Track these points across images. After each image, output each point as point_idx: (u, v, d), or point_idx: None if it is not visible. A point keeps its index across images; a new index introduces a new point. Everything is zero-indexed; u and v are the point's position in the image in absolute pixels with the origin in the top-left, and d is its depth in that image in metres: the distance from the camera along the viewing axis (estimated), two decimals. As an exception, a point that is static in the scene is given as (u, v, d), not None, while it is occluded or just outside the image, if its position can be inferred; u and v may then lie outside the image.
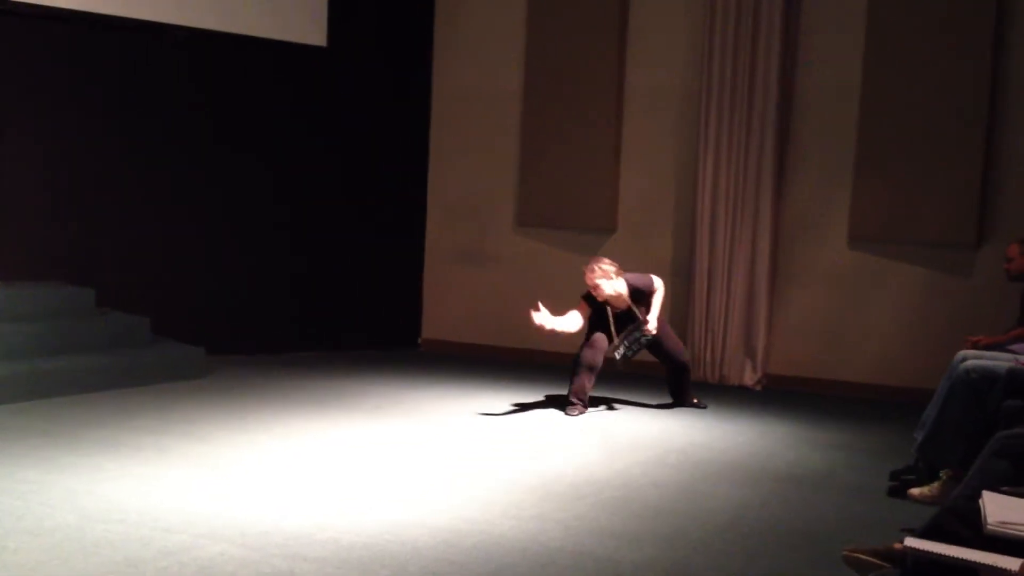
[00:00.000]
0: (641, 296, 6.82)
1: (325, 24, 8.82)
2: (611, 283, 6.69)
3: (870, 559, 3.22)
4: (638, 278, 6.84)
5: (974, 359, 4.99)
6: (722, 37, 8.21)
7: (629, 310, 6.81)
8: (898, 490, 5.13)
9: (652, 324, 6.74)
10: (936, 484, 4.91)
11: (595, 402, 7.09)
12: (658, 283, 6.87)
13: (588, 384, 6.85)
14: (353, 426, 6.23)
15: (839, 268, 8.12)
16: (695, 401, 7.23)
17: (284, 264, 8.91)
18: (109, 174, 8.11)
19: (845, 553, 3.34)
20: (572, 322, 6.79)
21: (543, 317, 6.58)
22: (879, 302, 8.02)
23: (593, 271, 6.68)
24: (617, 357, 6.82)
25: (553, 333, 6.80)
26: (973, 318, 7.37)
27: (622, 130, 8.79)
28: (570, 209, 8.96)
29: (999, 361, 4.89)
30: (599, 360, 6.86)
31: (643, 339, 6.80)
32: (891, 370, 7.92)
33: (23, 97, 7.71)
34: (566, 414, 6.75)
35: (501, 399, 7.24)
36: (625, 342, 6.79)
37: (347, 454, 5.56)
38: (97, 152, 8.05)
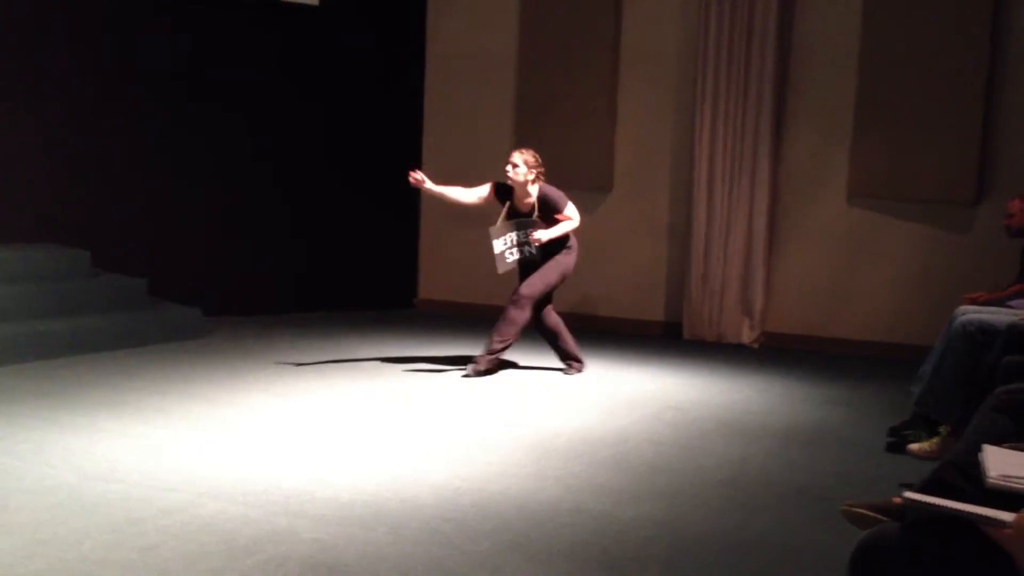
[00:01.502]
0: (547, 210, 6.51)
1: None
2: (526, 175, 6.45)
3: (869, 513, 3.22)
4: (554, 192, 6.55)
5: (973, 313, 4.98)
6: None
7: (528, 215, 6.53)
8: (897, 446, 5.15)
9: (543, 236, 6.39)
10: (935, 439, 4.93)
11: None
12: (573, 212, 6.55)
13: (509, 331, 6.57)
14: (351, 386, 6.23)
15: (838, 226, 8.11)
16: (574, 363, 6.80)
17: (281, 225, 8.87)
18: (104, 136, 8.04)
19: (844, 508, 3.34)
20: (462, 194, 6.65)
21: (423, 182, 6.48)
22: (878, 260, 8.01)
23: (521, 152, 6.52)
24: (495, 250, 6.44)
25: (433, 194, 6.67)
26: (972, 275, 7.37)
27: (618, 90, 8.73)
28: (565, 169, 8.86)
29: (997, 316, 4.88)
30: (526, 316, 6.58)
31: (527, 248, 6.44)
32: (889, 327, 7.93)
33: (15, 60, 7.62)
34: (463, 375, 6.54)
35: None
36: (510, 236, 6.45)
37: (345, 413, 5.57)
38: (91, 114, 7.98)
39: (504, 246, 6.48)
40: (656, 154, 8.68)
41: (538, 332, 6.84)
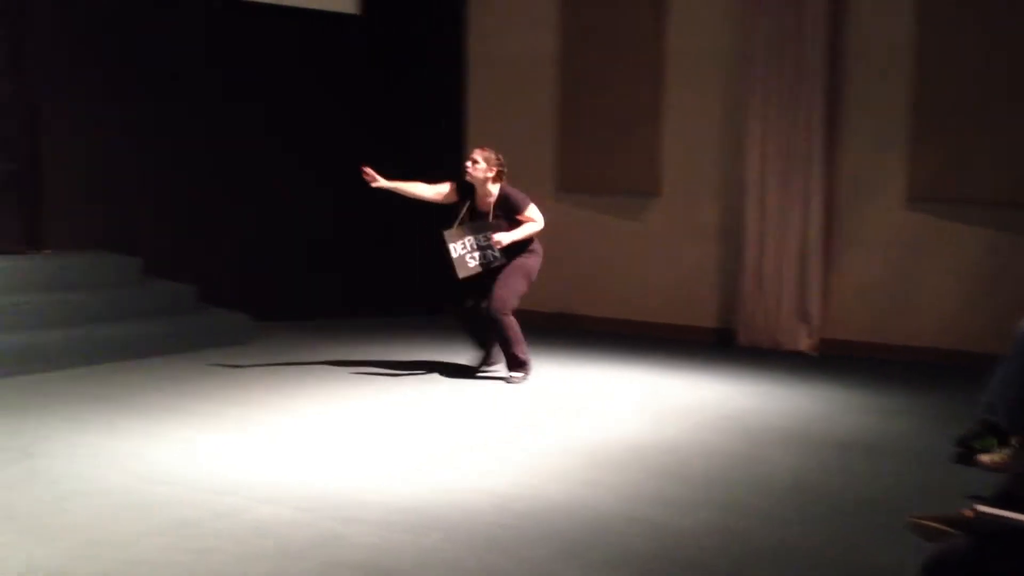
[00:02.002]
0: (508, 210, 6.39)
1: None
2: (486, 171, 6.34)
3: (938, 526, 3.13)
4: (516, 193, 6.43)
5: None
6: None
7: (487, 215, 6.40)
8: (964, 456, 4.98)
9: (504, 238, 6.27)
10: (1006, 451, 4.77)
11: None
12: (535, 214, 6.41)
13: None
14: (400, 391, 6.20)
15: (897, 229, 7.92)
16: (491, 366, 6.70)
17: (328, 231, 8.89)
18: (154, 145, 8.13)
19: (911, 520, 3.25)
20: (422, 189, 6.56)
21: (375, 179, 6.40)
22: (940, 264, 7.81)
23: (483, 149, 6.40)
24: (453, 254, 6.25)
25: (390, 190, 6.53)
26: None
27: (664, 92, 8.64)
28: (611, 174, 8.84)
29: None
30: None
31: (491, 253, 6.25)
32: (953, 333, 7.71)
33: (66, 71, 7.73)
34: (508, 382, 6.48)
35: (545, 363, 7.17)
36: (468, 240, 6.27)
37: (395, 418, 5.54)
38: (143, 123, 8.07)
39: (463, 250, 6.29)
40: (705, 156, 8.58)
41: (467, 321, 6.62)
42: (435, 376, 6.69)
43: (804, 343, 8.07)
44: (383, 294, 9.15)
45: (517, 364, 6.52)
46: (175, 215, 8.22)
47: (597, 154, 8.85)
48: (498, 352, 6.66)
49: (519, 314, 6.54)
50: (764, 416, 5.87)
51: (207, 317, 7.66)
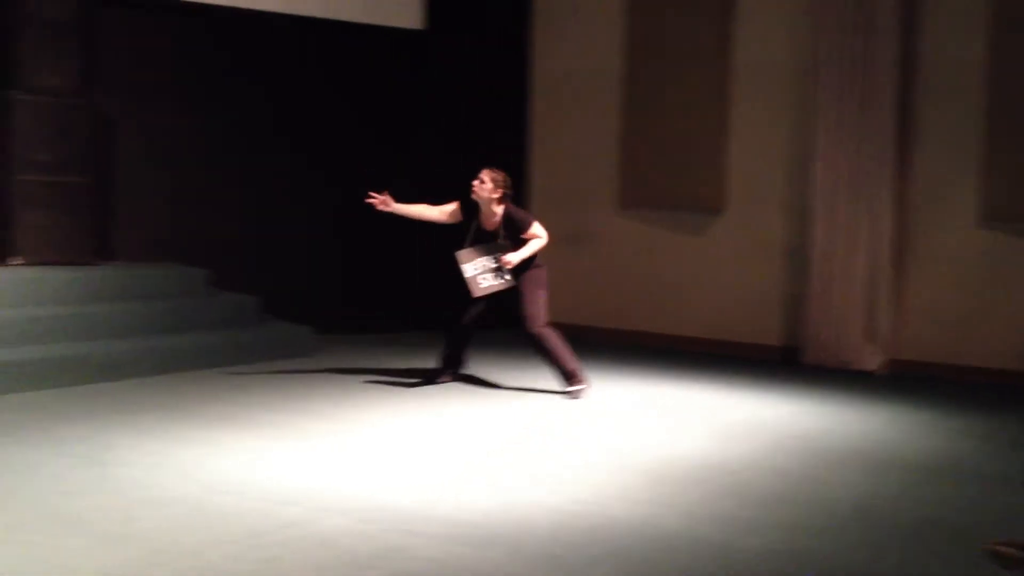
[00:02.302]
0: (513, 229, 6.53)
1: (421, 6, 8.82)
2: (491, 192, 6.46)
3: (1018, 553, 3.04)
4: (519, 212, 6.63)
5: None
6: (835, 6, 7.92)
7: (493, 234, 6.54)
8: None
9: (513, 258, 6.41)
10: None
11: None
12: (539, 231, 6.56)
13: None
14: (462, 405, 6.21)
15: (969, 248, 7.75)
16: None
17: (393, 245, 8.94)
18: (219, 159, 8.28)
19: (989, 546, 3.16)
20: (429, 211, 6.73)
21: (387, 204, 6.60)
22: (1013, 283, 7.61)
23: (491, 171, 6.51)
24: (465, 273, 6.42)
25: (400, 213, 6.70)
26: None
27: (729, 107, 8.58)
28: (675, 190, 8.79)
29: None
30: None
31: (503, 275, 6.42)
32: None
33: (136, 86, 7.91)
34: (574, 397, 6.54)
35: (607, 381, 7.14)
36: (480, 262, 6.44)
37: (457, 432, 5.55)
38: (207, 137, 8.23)
39: (475, 271, 6.47)
40: (771, 172, 8.49)
41: (451, 328, 6.78)
42: (496, 389, 6.70)
43: (871, 362, 7.93)
44: (447, 308, 9.16)
45: (568, 376, 6.58)
46: (240, 227, 8.34)
47: (661, 170, 8.80)
48: (446, 368, 6.84)
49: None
50: (830, 437, 5.78)
51: (270, 329, 7.74)
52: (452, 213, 6.69)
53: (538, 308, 6.56)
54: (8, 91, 7.18)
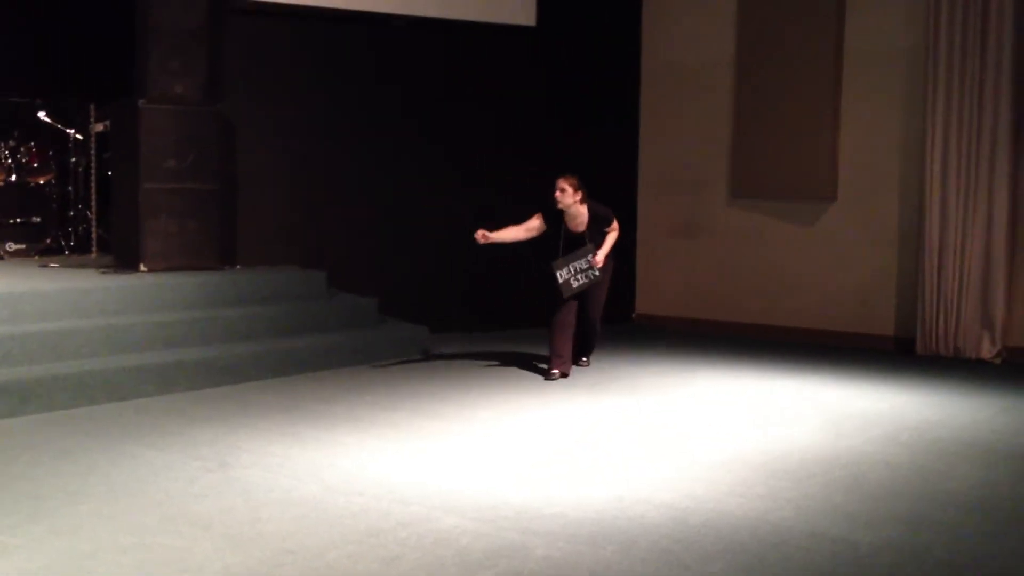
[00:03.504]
0: (598, 225, 6.87)
1: (534, 3, 8.90)
2: (574, 196, 6.76)
3: None
4: (600, 208, 6.90)
5: None
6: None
7: (582, 236, 6.84)
8: None
9: (601, 256, 6.83)
10: None
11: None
12: (616, 224, 6.95)
13: (565, 343, 6.90)
14: (572, 402, 6.27)
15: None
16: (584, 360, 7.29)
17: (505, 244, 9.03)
18: (337, 163, 8.48)
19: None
20: (517, 232, 6.97)
21: (485, 238, 6.81)
22: None
23: (565, 178, 6.79)
24: (559, 279, 6.77)
25: (497, 243, 6.89)
26: None
27: (841, 94, 8.44)
28: (786, 179, 8.69)
29: None
30: (573, 319, 6.92)
31: (592, 272, 6.80)
32: None
33: (261, 92, 8.17)
34: (546, 379, 6.81)
35: (718, 374, 7.13)
36: (572, 266, 6.79)
37: (568, 429, 5.61)
38: (330, 143, 8.43)
39: (568, 275, 6.82)
40: (883, 160, 8.33)
41: (563, 324, 6.93)
42: (606, 386, 6.74)
43: (987, 351, 7.73)
44: (554, 304, 9.23)
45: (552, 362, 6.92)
46: (358, 230, 8.54)
47: (772, 158, 8.72)
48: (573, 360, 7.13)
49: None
50: (946, 428, 5.67)
51: (387, 329, 7.90)
52: (537, 227, 6.96)
53: (601, 302, 7.07)
54: (135, 100, 7.47)
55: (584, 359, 7.26)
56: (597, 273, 6.82)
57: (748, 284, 8.92)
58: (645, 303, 9.62)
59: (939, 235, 7.89)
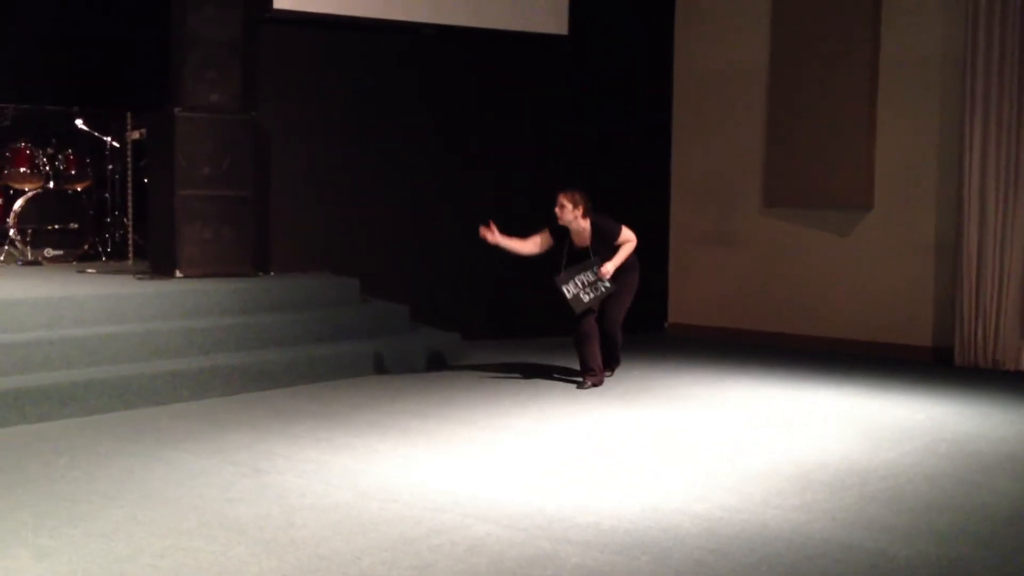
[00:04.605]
0: (605, 239, 6.74)
1: (566, 12, 8.90)
2: (574, 211, 6.68)
3: None
4: (605, 222, 6.77)
5: None
6: (989, -3, 7.67)
7: (587, 251, 6.75)
8: None
9: (609, 268, 6.68)
10: None
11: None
12: (628, 235, 6.79)
13: (593, 354, 6.84)
14: (605, 411, 6.26)
15: None
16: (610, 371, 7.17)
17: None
18: (369, 171, 8.52)
19: None
20: (522, 245, 6.91)
21: (492, 234, 6.74)
22: None
23: (566, 193, 6.70)
24: (568, 295, 6.67)
25: (501, 247, 6.85)
26: None
27: (877, 102, 8.38)
28: (821, 187, 8.64)
29: None
30: (594, 329, 6.84)
31: (602, 286, 6.68)
32: None
33: (294, 100, 8.25)
34: (579, 388, 6.81)
35: (751, 384, 7.09)
36: (577, 280, 6.68)
37: (601, 439, 5.59)
38: (358, 149, 8.49)
39: (576, 289, 6.72)
40: (920, 168, 8.26)
41: (588, 335, 6.88)
42: (638, 396, 6.72)
43: (1027, 362, 7.65)
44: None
45: (587, 371, 6.89)
46: (390, 238, 8.58)
47: (806, 167, 8.67)
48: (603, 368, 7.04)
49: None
50: (984, 440, 5.60)
51: (420, 336, 7.93)
52: (542, 242, 6.94)
53: (621, 313, 6.93)
54: (171, 108, 7.56)
55: (608, 371, 7.17)
56: (608, 285, 6.70)
57: (782, 293, 8.87)
58: (678, 312, 9.58)
59: (977, 245, 7.81)
